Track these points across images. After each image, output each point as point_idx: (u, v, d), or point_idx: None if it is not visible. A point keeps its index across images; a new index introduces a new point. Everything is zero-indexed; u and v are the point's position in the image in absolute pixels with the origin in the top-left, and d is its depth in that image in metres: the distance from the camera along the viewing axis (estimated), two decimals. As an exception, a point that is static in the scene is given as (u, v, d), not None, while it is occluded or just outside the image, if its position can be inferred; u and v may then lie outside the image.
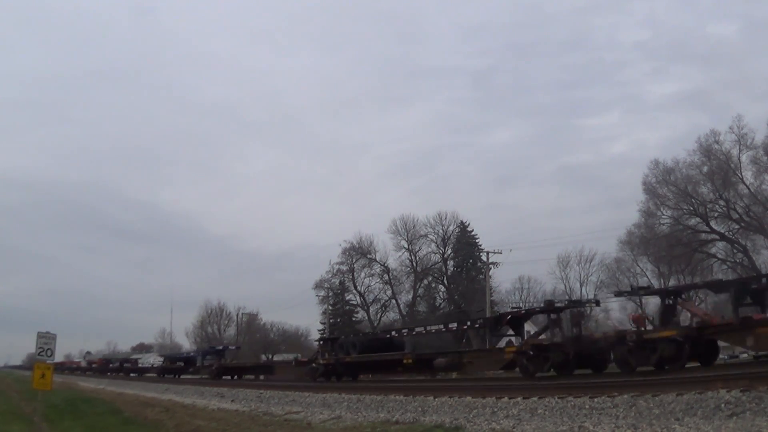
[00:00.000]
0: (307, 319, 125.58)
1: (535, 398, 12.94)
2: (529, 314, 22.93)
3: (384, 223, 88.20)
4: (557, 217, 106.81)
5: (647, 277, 56.21)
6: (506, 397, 13.67)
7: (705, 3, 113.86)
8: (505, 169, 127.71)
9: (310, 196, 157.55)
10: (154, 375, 53.49)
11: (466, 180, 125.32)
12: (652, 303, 48.94)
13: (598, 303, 22.58)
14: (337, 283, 75.31)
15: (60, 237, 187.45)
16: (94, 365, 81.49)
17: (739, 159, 47.56)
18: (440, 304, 72.37)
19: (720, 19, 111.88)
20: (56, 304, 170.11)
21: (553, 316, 19.36)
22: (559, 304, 20.25)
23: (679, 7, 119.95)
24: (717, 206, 48.52)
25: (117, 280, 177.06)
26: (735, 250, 48.85)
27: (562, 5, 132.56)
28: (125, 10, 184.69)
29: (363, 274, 73.72)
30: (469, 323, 28.38)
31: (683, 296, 18.24)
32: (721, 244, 50.21)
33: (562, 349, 18.14)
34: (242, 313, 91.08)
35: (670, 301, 17.46)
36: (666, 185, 50.74)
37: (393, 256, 71.74)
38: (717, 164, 47.93)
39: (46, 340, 16.53)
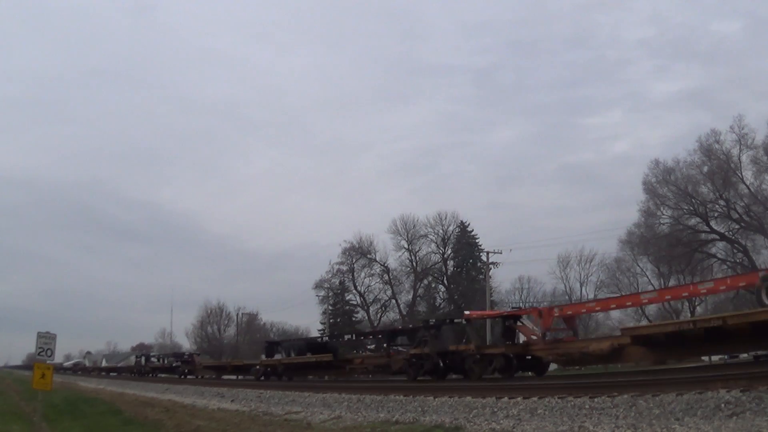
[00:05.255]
0: (307, 319, 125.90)
1: (535, 398, 12.93)
2: (413, 330, 25.45)
3: (384, 223, 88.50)
4: (558, 217, 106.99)
5: (647, 276, 56.34)
6: (506, 397, 13.65)
7: (709, 0, 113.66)
8: (506, 168, 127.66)
9: (310, 196, 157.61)
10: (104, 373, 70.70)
11: (466, 179, 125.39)
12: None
13: (463, 321, 23.68)
14: (337, 283, 75.35)
15: (60, 237, 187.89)
16: (70, 367, 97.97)
17: (739, 159, 47.71)
18: (440, 304, 72.38)
19: (724, 17, 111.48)
20: (56, 304, 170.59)
21: (432, 331, 22.55)
22: (432, 322, 23.91)
23: (683, 4, 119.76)
24: (717, 206, 48.55)
25: (117, 280, 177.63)
26: (735, 250, 48.89)
27: (564, 2, 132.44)
28: (125, 8, 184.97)
29: (363, 274, 73.89)
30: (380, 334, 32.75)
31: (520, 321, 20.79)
32: (721, 244, 50.27)
33: (431, 359, 21.91)
34: (242, 313, 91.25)
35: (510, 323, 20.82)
36: (666, 185, 50.77)
37: (393, 256, 71.95)
38: (717, 164, 47.96)
39: (46, 340, 16.56)
